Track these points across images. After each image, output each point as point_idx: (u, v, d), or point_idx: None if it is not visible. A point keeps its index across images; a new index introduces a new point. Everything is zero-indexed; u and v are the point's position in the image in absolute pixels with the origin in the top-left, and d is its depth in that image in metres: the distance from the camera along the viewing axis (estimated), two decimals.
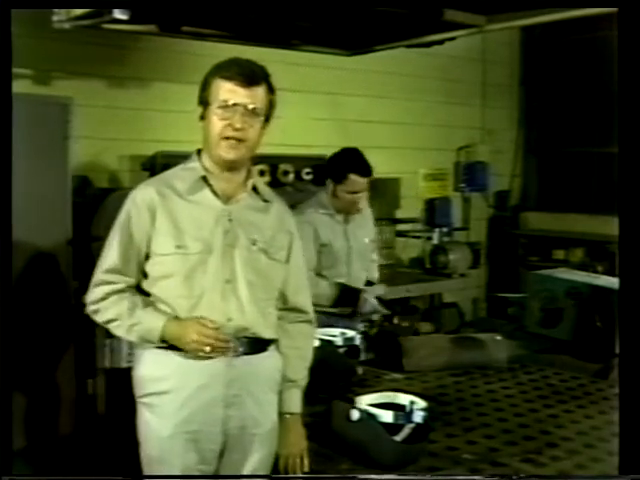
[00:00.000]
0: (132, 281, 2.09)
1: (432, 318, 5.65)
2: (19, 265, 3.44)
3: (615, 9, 1.94)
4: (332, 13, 3.33)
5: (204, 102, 2.06)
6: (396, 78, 5.79)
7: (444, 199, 6.10)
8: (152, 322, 2.04)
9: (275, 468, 2.19)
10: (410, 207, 5.95)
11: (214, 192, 2.09)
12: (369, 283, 3.64)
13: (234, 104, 2.01)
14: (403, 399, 2.31)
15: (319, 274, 3.39)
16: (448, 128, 6.36)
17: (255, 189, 2.17)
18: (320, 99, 5.47)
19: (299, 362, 2.25)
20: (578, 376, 3.18)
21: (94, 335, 3.80)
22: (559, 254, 6.58)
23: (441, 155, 6.40)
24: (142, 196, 2.07)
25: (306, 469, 2.20)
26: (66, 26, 3.15)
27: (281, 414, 2.20)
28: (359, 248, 3.56)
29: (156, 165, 4.25)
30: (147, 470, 2.09)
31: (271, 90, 2.09)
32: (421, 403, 2.27)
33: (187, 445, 2.05)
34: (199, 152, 2.14)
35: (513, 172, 7.17)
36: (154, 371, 2.08)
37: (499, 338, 3.37)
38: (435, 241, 5.91)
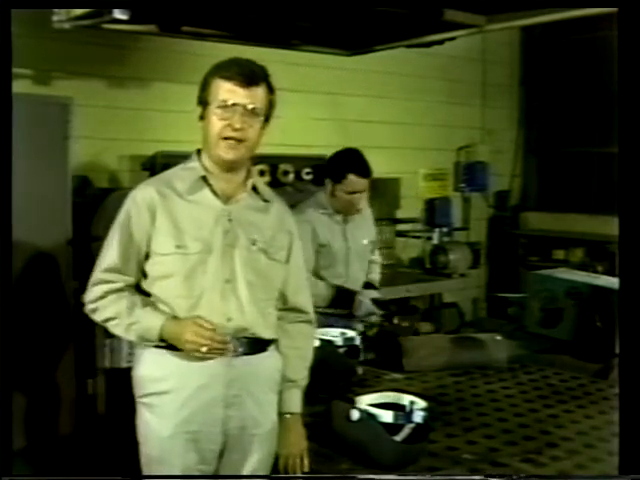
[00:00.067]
0: (131, 280, 2.09)
1: (432, 318, 5.65)
2: (19, 265, 3.45)
3: (615, 9, 1.94)
4: (332, 13, 3.33)
5: (203, 102, 2.06)
6: (396, 78, 5.79)
7: (444, 199, 6.10)
8: (151, 321, 2.04)
9: (275, 468, 2.19)
10: (410, 207, 5.94)
11: (214, 192, 2.09)
12: (369, 284, 3.63)
13: (234, 104, 2.01)
14: (403, 399, 2.31)
15: (316, 274, 3.38)
16: (448, 128, 6.36)
17: (255, 189, 2.17)
18: (320, 99, 5.47)
19: (299, 362, 2.25)
20: (578, 376, 3.18)
21: (94, 335, 3.80)
22: (559, 254, 6.58)
23: (441, 155, 6.40)
24: (142, 196, 2.07)
25: (306, 469, 2.20)
26: (66, 26, 3.15)
27: (281, 414, 2.20)
28: (358, 249, 3.56)
29: (156, 165, 4.25)
30: (147, 470, 2.09)
31: (271, 90, 2.09)
32: (421, 403, 2.26)
33: (187, 445, 2.05)
34: (199, 152, 2.14)
35: (513, 172, 7.17)
36: (154, 371, 2.08)
37: (499, 338, 3.37)
38: (435, 241, 5.91)
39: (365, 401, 2.32)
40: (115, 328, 2.09)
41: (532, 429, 2.57)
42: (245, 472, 2.13)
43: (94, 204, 4.01)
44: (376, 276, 3.75)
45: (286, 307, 2.25)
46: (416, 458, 2.25)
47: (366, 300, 3.43)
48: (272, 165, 4.86)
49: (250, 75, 2.04)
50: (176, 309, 2.05)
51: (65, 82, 4.30)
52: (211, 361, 2.04)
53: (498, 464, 2.27)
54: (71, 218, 3.75)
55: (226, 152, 2.04)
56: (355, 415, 2.25)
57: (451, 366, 3.22)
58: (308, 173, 4.99)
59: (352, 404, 2.30)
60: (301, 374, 2.25)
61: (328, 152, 3.59)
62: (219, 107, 2.02)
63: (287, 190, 4.78)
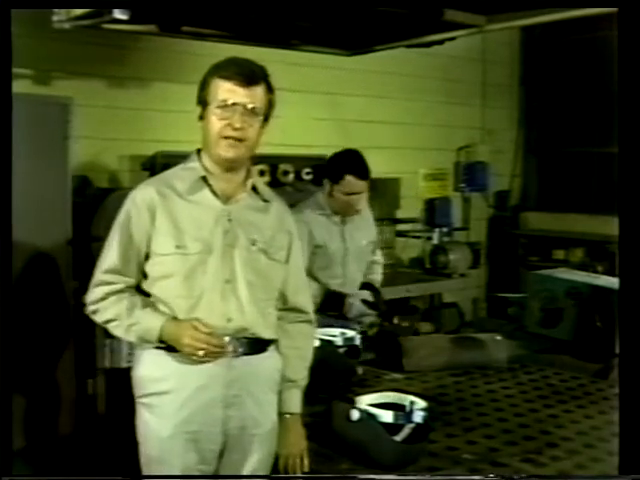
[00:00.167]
0: (132, 281, 2.09)
1: (432, 318, 5.65)
2: (19, 265, 3.45)
3: (615, 9, 1.94)
4: (332, 13, 3.33)
5: (203, 102, 2.06)
6: (396, 78, 5.79)
7: (444, 199, 6.10)
8: (150, 322, 2.04)
9: (275, 468, 2.19)
10: (410, 207, 5.94)
11: (214, 192, 2.09)
12: (369, 285, 3.62)
13: (233, 104, 2.01)
14: (403, 399, 2.31)
15: (311, 275, 3.36)
16: (448, 128, 6.36)
17: (255, 189, 2.17)
18: (320, 99, 5.47)
19: (299, 362, 2.25)
20: (578, 376, 3.18)
21: (94, 335, 3.80)
22: (559, 254, 6.58)
23: (441, 155, 6.40)
24: (142, 196, 2.07)
25: (306, 469, 2.19)
26: (66, 26, 3.15)
27: (281, 414, 2.20)
28: (356, 250, 3.55)
29: (156, 165, 4.25)
30: (146, 470, 2.09)
31: (270, 89, 2.09)
32: (421, 403, 2.26)
33: (187, 445, 2.05)
34: (199, 152, 2.14)
35: (513, 172, 7.17)
36: (154, 371, 2.08)
37: (499, 338, 3.37)
38: (435, 241, 5.91)
39: (365, 401, 2.31)
40: (115, 329, 2.09)
41: (532, 429, 2.56)
42: (245, 472, 2.13)
43: (94, 204, 4.00)
44: (377, 277, 3.74)
45: (286, 307, 2.25)
46: (416, 458, 2.24)
47: (357, 302, 3.42)
48: (272, 165, 4.86)
49: (249, 74, 2.04)
50: (176, 309, 2.05)
51: (65, 82, 4.30)
52: (210, 361, 2.04)
53: (498, 464, 2.26)
54: (71, 218, 3.75)
55: (226, 150, 2.04)
56: (355, 415, 2.25)
57: (451, 366, 3.22)
58: (308, 173, 4.99)
59: (352, 404, 2.30)
60: (301, 374, 2.25)
61: (328, 152, 3.59)
62: (219, 107, 2.02)
63: (287, 190, 4.78)
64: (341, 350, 3.00)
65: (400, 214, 5.87)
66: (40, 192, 3.57)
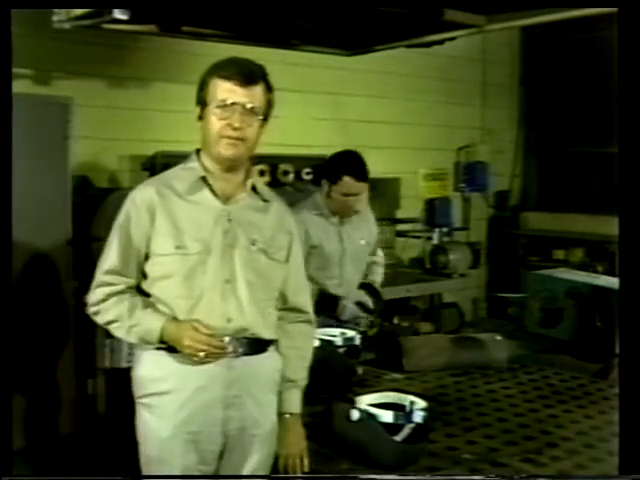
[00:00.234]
0: (132, 282, 2.09)
1: (432, 318, 5.65)
2: (19, 265, 3.45)
3: (615, 9, 1.94)
4: (332, 13, 3.33)
5: (202, 102, 2.06)
6: (396, 78, 5.79)
7: (444, 199, 6.10)
8: (151, 323, 2.04)
9: (275, 468, 2.19)
10: (410, 207, 5.95)
11: (213, 192, 2.09)
12: (368, 285, 3.62)
13: (232, 103, 2.01)
14: (403, 399, 2.31)
15: (307, 276, 3.34)
16: (448, 128, 6.36)
17: (254, 189, 2.17)
18: (320, 99, 5.47)
19: (299, 362, 2.25)
20: (578, 376, 3.18)
21: (94, 335, 3.80)
22: (559, 254, 6.58)
23: (441, 155, 6.40)
24: (141, 196, 2.07)
25: (306, 469, 2.19)
26: (66, 26, 3.15)
27: (281, 414, 2.19)
28: (354, 250, 3.53)
29: (156, 165, 4.25)
30: (146, 470, 2.09)
31: (269, 89, 2.09)
32: (421, 403, 2.26)
33: (187, 446, 2.05)
34: (198, 152, 2.14)
35: (513, 172, 7.17)
36: (153, 372, 2.08)
37: (499, 338, 3.37)
38: (435, 241, 5.91)
39: (365, 401, 2.31)
40: (117, 331, 2.09)
41: (532, 429, 2.56)
42: (245, 472, 2.13)
43: (94, 204, 4.01)
44: (377, 277, 3.71)
45: (286, 307, 2.25)
46: (416, 458, 2.24)
47: (350, 305, 3.40)
48: (272, 165, 4.86)
49: (248, 74, 2.03)
50: (176, 310, 2.05)
51: (65, 82, 4.30)
52: (210, 362, 2.04)
53: (498, 464, 2.27)
54: (71, 218, 3.75)
55: (226, 149, 2.04)
56: (355, 415, 2.25)
57: (451, 366, 3.22)
58: (308, 173, 4.99)
59: (352, 404, 2.30)
60: (301, 374, 2.24)
61: (328, 152, 3.59)
62: (218, 107, 2.02)
63: (287, 190, 4.78)
64: (341, 350, 3.00)
65: (400, 214, 5.87)
66: (40, 192, 3.57)
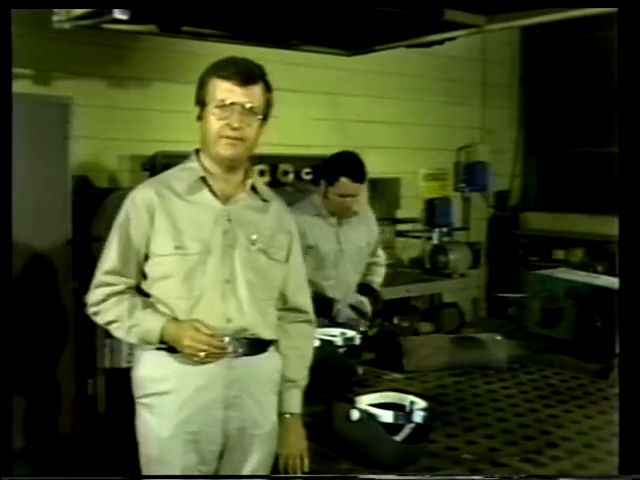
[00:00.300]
0: (132, 282, 2.09)
1: (432, 318, 5.65)
2: (19, 265, 3.45)
3: (615, 9, 1.94)
4: (332, 13, 3.33)
5: (201, 102, 2.06)
6: (396, 78, 5.79)
7: (444, 199, 6.10)
8: (151, 323, 2.04)
9: (275, 468, 2.19)
10: (410, 207, 5.95)
11: (213, 192, 2.09)
12: (367, 286, 3.61)
13: (231, 103, 2.01)
14: (403, 399, 2.31)
15: None
16: (448, 128, 6.36)
17: (254, 189, 2.17)
18: (320, 99, 5.47)
19: (299, 362, 2.25)
20: (578, 376, 3.18)
21: (94, 335, 3.80)
22: (559, 254, 6.58)
23: (441, 155, 6.40)
24: (141, 197, 2.07)
25: (306, 469, 2.19)
26: (66, 26, 3.15)
27: (281, 414, 2.19)
28: (352, 251, 3.52)
29: (156, 165, 4.25)
30: (146, 470, 2.09)
31: (268, 89, 2.09)
32: (421, 403, 2.26)
33: (187, 446, 2.05)
34: (197, 152, 2.14)
35: (513, 172, 7.17)
36: (154, 372, 2.08)
37: (499, 338, 3.37)
38: (435, 241, 5.91)
39: (365, 401, 2.31)
40: (116, 331, 2.08)
41: (532, 429, 2.56)
42: (245, 473, 2.12)
43: (94, 204, 4.01)
44: (377, 278, 3.70)
45: (286, 307, 2.24)
46: (416, 458, 2.24)
47: (344, 308, 3.38)
48: (272, 165, 4.86)
49: (247, 74, 2.03)
50: (176, 310, 2.05)
51: (65, 82, 4.30)
52: (211, 362, 2.04)
53: (498, 464, 2.27)
54: (71, 218, 3.75)
55: (225, 149, 2.04)
56: (355, 415, 2.25)
57: (451, 366, 3.22)
58: (308, 173, 4.99)
59: (352, 404, 2.30)
60: (301, 374, 2.24)
61: (328, 152, 3.59)
62: (217, 107, 2.02)
63: (287, 190, 4.78)
64: (341, 350, 3.00)
65: (400, 214, 5.87)
66: (40, 192, 3.57)
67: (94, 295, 2.09)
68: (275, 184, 4.71)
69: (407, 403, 2.27)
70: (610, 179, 5.13)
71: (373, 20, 3.37)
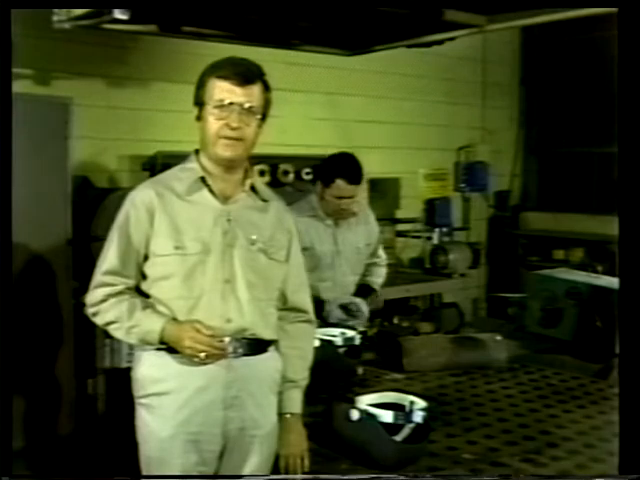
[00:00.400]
0: (131, 282, 2.09)
1: (432, 318, 5.64)
2: (19, 265, 3.44)
3: (615, 9, 1.94)
4: (332, 13, 3.33)
5: (200, 102, 2.06)
6: (396, 78, 5.79)
7: (444, 199, 6.10)
8: (151, 324, 2.03)
9: (275, 468, 2.19)
10: (410, 207, 5.94)
11: (212, 192, 2.09)
12: (367, 287, 3.61)
13: (230, 103, 2.01)
14: (403, 399, 2.31)
15: None
16: (448, 128, 6.36)
17: (253, 189, 2.17)
18: (320, 99, 5.47)
19: (299, 362, 2.24)
20: (578, 376, 3.18)
21: (94, 335, 3.80)
22: (559, 254, 6.58)
23: (441, 155, 6.40)
24: (141, 197, 2.07)
25: (306, 469, 2.19)
26: (66, 26, 3.14)
27: (281, 414, 2.19)
28: (349, 252, 3.51)
29: (156, 165, 4.26)
30: (146, 470, 2.09)
31: (267, 88, 2.09)
32: (421, 403, 2.26)
33: (187, 446, 2.05)
34: (197, 152, 2.14)
35: (513, 172, 7.18)
36: (153, 372, 2.08)
37: (499, 338, 3.37)
38: (435, 241, 5.91)
39: (365, 401, 2.31)
40: (116, 332, 2.08)
41: (532, 429, 2.57)
42: (245, 473, 2.12)
43: (94, 204, 4.01)
44: (377, 279, 3.69)
45: (286, 307, 2.24)
46: (416, 458, 2.25)
47: (334, 309, 3.37)
48: (272, 165, 4.87)
49: (246, 74, 2.03)
50: (175, 310, 2.05)
51: (65, 82, 4.30)
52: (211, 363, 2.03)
53: (498, 464, 2.27)
54: (71, 218, 3.75)
55: (224, 150, 2.04)
56: (355, 415, 2.25)
57: (451, 366, 3.22)
58: (308, 173, 4.99)
59: (352, 404, 2.30)
60: (301, 374, 2.24)
61: (328, 152, 3.59)
62: (216, 107, 2.02)
63: (287, 190, 4.78)
64: (341, 350, 3.00)
65: (400, 214, 5.87)
66: (40, 192, 3.57)
67: (93, 295, 2.09)
68: (275, 184, 4.71)
69: (407, 403, 2.27)
70: (610, 179, 5.13)
71: (373, 20, 3.37)
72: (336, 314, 3.37)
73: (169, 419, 2.04)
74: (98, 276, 2.09)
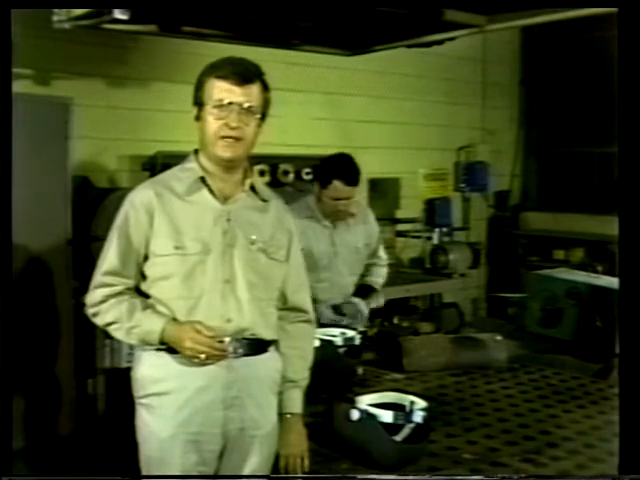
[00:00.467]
0: (131, 283, 2.09)
1: (432, 318, 5.65)
2: (19, 265, 3.44)
3: (615, 9, 1.94)
4: (332, 13, 3.33)
5: (199, 102, 2.06)
6: (396, 78, 5.79)
7: (444, 199, 6.10)
8: (151, 325, 2.03)
9: (275, 468, 2.19)
10: (410, 207, 5.95)
11: (212, 192, 2.09)
12: (368, 287, 3.60)
13: (229, 103, 2.01)
14: (403, 399, 2.31)
15: None
16: (448, 128, 6.36)
17: (253, 188, 2.17)
18: (320, 99, 5.47)
19: (300, 362, 2.24)
20: (578, 376, 3.18)
21: (94, 335, 3.80)
22: (559, 254, 6.58)
23: (441, 155, 6.40)
24: (140, 198, 2.07)
25: (306, 469, 2.19)
26: (66, 26, 3.14)
27: (282, 414, 2.19)
28: (347, 253, 3.50)
29: (156, 165, 4.26)
30: (146, 470, 2.09)
31: (266, 88, 2.09)
32: (421, 403, 2.26)
33: (186, 446, 2.04)
34: (196, 152, 2.14)
35: (513, 172, 7.18)
36: (153, 372, 2.08)
37: (499, 338, 3.37)
38: (435, 241, 5.92)
39: (365, 401, 2.31)
40: (116, 332, 2.08)
41: (532, 429, 2.57)
42: (245, 474, 2.12)
43: (94, 204, 4.01)
44: (378, 279, 3.68)
45: (286, 307, 2.24)
46: (416, 458, 2.25)
47: (326, 309, 3.36)
48: (272, 165, 4.87)
49: (245, 73, 2.03)
50: (175, 310, 2.05)
51: (65, 82, 4.30)
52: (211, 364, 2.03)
53: (498, 464, 2.27)
54: (71, 218, 3.75)
55: (224, 150, 2.04)
56: (355, 415, 2.25)
57: (451, 366, 3.22)
58: (308, 173, 4.99)
59: (352, 404, 2.30)
60: (302, 374, 2.24)
61: (328, 152, 3.59)
62: (215, 107, 2.02)
63: (287, 190, 4.78)
64: (341, 350, 3.00)
65: (400, 214, 5.87)
66: (40, 192, 3.56)
67: (93, 296, 2.09)
68: (275, 184, 4.71)
69: (407, 403, 2.27)
70: (610, 179, 5.13)
71: (373, 20, 3.37)
72: (327, 315, 3.36)
73: (169, 419, 2.04)
74: (98, 277, 2.09)
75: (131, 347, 2.47)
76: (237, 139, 2.03)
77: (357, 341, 3.06)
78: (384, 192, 5.56)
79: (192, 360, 2.02)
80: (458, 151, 6.58)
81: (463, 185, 6.54)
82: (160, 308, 2.06)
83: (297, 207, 3.41)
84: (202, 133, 2.07)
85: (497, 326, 4.03)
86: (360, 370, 3.07)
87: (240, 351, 2.06)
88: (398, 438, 2.20)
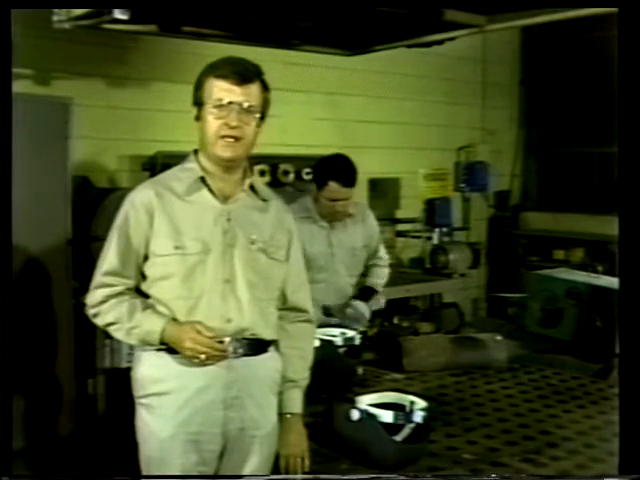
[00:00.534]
0: (131, 283, 2.09)
1: (432, 318, 5.65)
2: (19, 265, 3.44)
3: (615, 9, 1.94)
4: (332, 13, 3.33)
5: (199, 102, 2.06)
6: (396, 78, 5.79)
7: (444, 199, 6.10)
8: (151, 325, 2.03)
9: (275, 468, 2.19)
10: (410, 207, 5.95)
11: (212, 192, 2.09)
12: (368, 288, 3.60)
13: (229, 103, 2.01)
14: (403, 399, 2.31)
15: None
16: (448, 128, 6.37)
17: (253, 188, 2.17)
18: (320, 99, 5.47)
19: (300, 362, 2.24)
20: (578, 376, 3.18)
21: (94, 335, 3.80)
22: (559, 254, 6.59)
23: (441, 155, 6.40)
24: (140, 198, 2.07)
25: (307, 469, 2.19)
26: (66, 26, 3.14)
27: (282, 414, 2.19)
28: (345, 254, 3.49)
29: (156, 165, 4.26)
30: (146, 470, 2.09)
31: (265, 87, 2.09)
32: (421, 403, 2.26)
33: (187, 446, 2.04)
34: (196, 152, 2.14)
35: (513, 172, 7.18)
36: (153, 372, 2.08)
37: (499, 338, 3.37)
38: (435, 241, 5.92)
39: (365, 401, 2.32)
40: (116, 333, 2.08)
41: (532, 429, 2.57)
42: (245, 473, 2.12)
43: (94, 204, 4.01)
44: (379, 280, 3.66)
45: (286, 306, 2.24)
46: (416, 458, 2.25)
47: (318, 312, 3.36)
48: (272, 165, 4.87)
49: (244, 73, 2.03)
50: (175, 310, 2.05)
51: (65, 82, 4.30)
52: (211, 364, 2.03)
53: (498, 464, 2.27)
54: (71, 218, 3.75)
55: (224, 150, 2.04)
56: (355, 415, 2.25)
57: (451, 366, 3.22)
58: (308, 173, 4.98)
59: (352, 404, 2.30)
60: (302, 374, 2.24)
61: (328, 152, 3.58)
62: (215, 106, 2.02)
63: (287, 190, 4.78)
64: (341, 350, 3.00)
65: (400, 214, 5.87)
66: (40, 192, 3.57)
67: (93, 296, 2.09)
68: (275, 184, 4.71)
69: (407, 403, 2.27)
70: (610, 179, 5.13)
71: (373, 20, 3.37)
72: (320, 318, 3.34)
73: (169, 419, 2.04)
74: (98, 277, 2.09)
75: (131, 347, 2.47)
76: (237, 139, 2.03)
77: (357, 341, 3.06)
78: (384, 192, 5.56)
79: (192, 360, 2.02)
80: (458, 151, 6.58)
81: (463, 185, 6.54)
82: (160, 308, 2.06)
83: (294, 207, 3.40)
84: (202, 133, 2.07)
85: (497, 326, 4.03)
86: (360, 370, 3.07)
87: (240, 351, 2.06)
88: (398, 438, 2.20)
